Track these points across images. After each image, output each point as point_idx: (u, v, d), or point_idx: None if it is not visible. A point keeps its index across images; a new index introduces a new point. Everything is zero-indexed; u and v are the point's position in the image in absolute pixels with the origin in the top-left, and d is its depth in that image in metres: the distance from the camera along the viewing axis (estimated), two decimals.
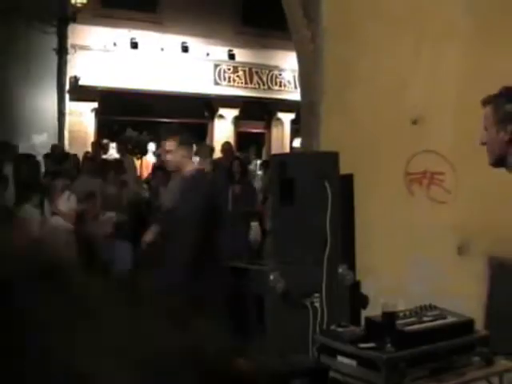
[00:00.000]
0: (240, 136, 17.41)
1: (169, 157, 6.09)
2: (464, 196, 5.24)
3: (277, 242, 6.48)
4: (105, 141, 15.02)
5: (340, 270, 5.34)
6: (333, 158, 5.82)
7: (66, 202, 9.11)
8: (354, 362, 3.60)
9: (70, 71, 15.06)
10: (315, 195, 5.77)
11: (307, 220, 5.83)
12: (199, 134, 16.60)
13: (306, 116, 6.93)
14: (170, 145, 6.00)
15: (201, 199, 5.97)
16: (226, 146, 12.34)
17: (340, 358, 3.68)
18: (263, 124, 17.98)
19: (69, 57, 15.03)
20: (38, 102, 14.83)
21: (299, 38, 6.78)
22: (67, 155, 12.86)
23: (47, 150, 13.09)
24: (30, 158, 11.31)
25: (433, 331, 3.82)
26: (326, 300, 5.62)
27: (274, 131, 17.76)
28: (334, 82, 6.11)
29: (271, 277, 5.99)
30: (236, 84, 16.88)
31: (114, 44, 15.21)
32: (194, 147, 13.05)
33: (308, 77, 6.85)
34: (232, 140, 16.93)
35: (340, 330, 3.94)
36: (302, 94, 7.03)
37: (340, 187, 5.52)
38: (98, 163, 11.54)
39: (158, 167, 12.02)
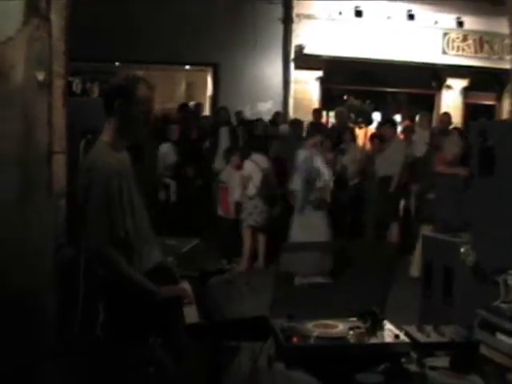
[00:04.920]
0: (469, 107, 16.73)
1: None
2: None
3: (473, 213, 6.23)
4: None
5: None
6: None
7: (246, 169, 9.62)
8: (511, 341, 3.37)
9: (295, 40, 15.25)
10: None
11: (507, 191, 5.55)
12: (426, 105, 16.24)
13: None
14: None
15: None
16: (443, 117, 12.07)
17: (499, 335, 3.47)
18: (494, 95, 17.11)
19: (294, 26, 15.22)
20: (263, 70, 15.23)
21: None
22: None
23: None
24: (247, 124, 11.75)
25: None
26: None
27: (506, 103, 16.88)
28: None
29: (462, 249, 5.79)
30: (465, 53, 16.18)
31: (339, 13, 15.16)
32: (417, 118, 12.96)
33: None
34: (460, 111, 16.37)
35: (504, 305, 3.71)
36: None
37: None
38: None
39: (375, 136, 11.99)
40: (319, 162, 9.27)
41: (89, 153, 3.61)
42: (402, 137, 12.16)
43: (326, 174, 9.32)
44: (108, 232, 3.38)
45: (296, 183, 9.40)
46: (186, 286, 3.75)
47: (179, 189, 10.52)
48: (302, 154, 9.44)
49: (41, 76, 3.98)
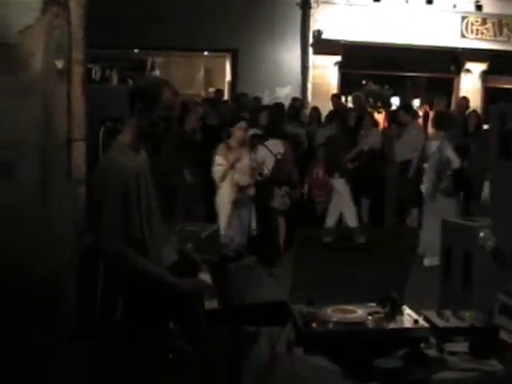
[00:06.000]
0: (488, 91, 16.59)
1: None
2: None
3: (493, 197, 6.20)
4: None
5: None
6: None
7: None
8: None
9: (314, 25, 15.18)
10: None
11: None
12: (445, 89, 16.15)
13: None
14: None
15: None
16: (461, 101, 12.15)
17: None
18: None
19: (312, 11, 15.15)
20: (282, 55, 15.19)
21: None
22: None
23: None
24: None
25: None
26: None
27: None
28: None
29: (481, 234, 5.76)
30: (484, 37, 16.01)
31: None
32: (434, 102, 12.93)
33: None
34: (479, 95, 16.24)
35: None
36: None
37: None
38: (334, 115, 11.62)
39: (393, 120, 11.95)
40: (449, 152, 9.55)
41: (107, 153, 3.60)
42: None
43: (456, 163, 9.56)
44: (124, 231, 3.38)
45: (427, 172, 9.82)
46: (206, 277, 3.73)
47: None
48: (433, 145, 9.81)
49: (60, 64, 4.00)
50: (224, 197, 8.64)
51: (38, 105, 3.80)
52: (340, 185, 10.40)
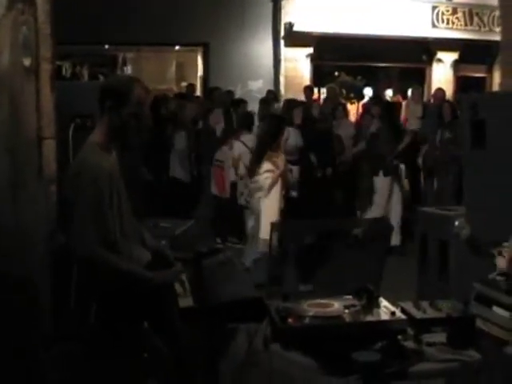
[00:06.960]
0: (459, 80, 16.69)
1: None
2: None
3: (466, 186, 6.23)
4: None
5: None
6: None
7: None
8: (507, 314, 3.36)
9: (285, 18, 15.10)
10: (508, 138, 5.46)
11: (499, 163, 5.53)
12: (417, 79, 16.20)
13: (507, 54, 6.54)
14: None
15: None
16: (437, 93, 12.09)
17: (495, 309, 3.46)
18: (485, 68, 17.06)
19: (283, 3, 15.07)
20: (253, 48, 15.12)
21: None
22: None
23: (263, 95, 13.36)
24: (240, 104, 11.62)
25: None
26: None
27: (496, 75, 16.83)
28: None
29: (456, 223, 5.80)
30: (455, 26, 16.07)
31: None
32: (409, 92, 12.97)
33: (509, 12, 6.44)
34: (451, 85, 16.31)
35: (500, 278, 3.71)
36: (503, 32, 6.62)
37: None
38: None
39: (368, 111, 11.96)
40: None
41: (78, 154, 3.53)
42: None
43: None
44: (97, 235, 3.32)
45: None
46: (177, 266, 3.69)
47: (301, 177, 9.88)
48: None
49: (27, 61, 3.93)
50: (271, 207, 7.55)
51: (7, 103, 3.73)
52: (383, 183, 9.91)
